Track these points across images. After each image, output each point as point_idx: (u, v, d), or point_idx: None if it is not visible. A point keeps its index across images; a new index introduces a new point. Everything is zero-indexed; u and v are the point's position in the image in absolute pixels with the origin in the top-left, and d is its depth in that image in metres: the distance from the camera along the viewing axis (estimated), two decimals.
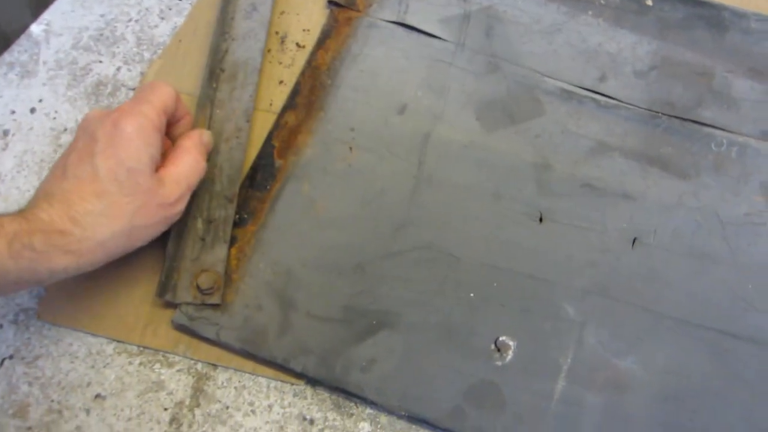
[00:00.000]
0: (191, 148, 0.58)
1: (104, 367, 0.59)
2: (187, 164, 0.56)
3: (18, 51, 0.74)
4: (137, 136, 0.53)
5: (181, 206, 0.56)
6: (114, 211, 0.51)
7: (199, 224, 0.61)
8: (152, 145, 0.54)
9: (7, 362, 0.59)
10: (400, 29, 0.72)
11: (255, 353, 0.57)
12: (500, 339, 0.58)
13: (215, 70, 0.68)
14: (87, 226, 0.49)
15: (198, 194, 0.61)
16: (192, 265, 0.59)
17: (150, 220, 0.53)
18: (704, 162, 0.66)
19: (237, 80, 0.67)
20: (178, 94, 0.59)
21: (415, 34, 0.72)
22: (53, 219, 0.48)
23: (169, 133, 0.61)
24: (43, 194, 0.51)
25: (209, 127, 0.64)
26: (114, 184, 0.51)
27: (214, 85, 0.67)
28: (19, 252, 0.46)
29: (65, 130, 0.69)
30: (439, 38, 0.71)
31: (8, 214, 0.48)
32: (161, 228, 0.55)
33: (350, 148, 0.65)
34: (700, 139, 0.67)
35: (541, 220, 0.63)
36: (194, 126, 0.64)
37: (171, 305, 0.59)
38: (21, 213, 0.49)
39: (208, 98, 0.66)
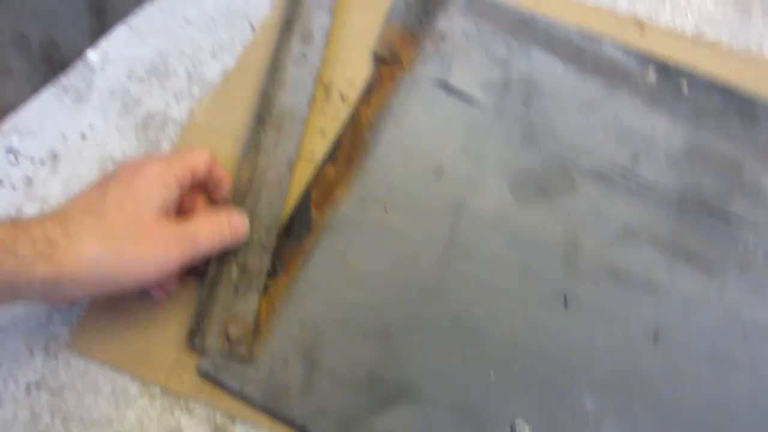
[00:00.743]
0: (218, 219, 0.53)
1: (126, 407, 0.54)
2: (204, 230, 0.51)
3: (74, 75, 0.69)
4: (155, 178, 0.49)
5: (175, 264, 0.49)
6: (107, 232, 0.45)
7: (234, 271, 0.56)
8: (168, 189, 0.49)
9: (33, 389, 0.54)
10: (442, 90, 0.66)
11: (275, 411, 0.52)
12: (518, 424, 0.52)
13: (262, 115, 0.63)
14: (76, 239, 0.44)
15: None
16: (223, 311, 0.54)
17: (141, 257, 0.46)
18: (730, 259, 0.60)
19: (283, 128, 0.62)
20: (215, 159, 0.55)
21: (456, 97, 0.66)
22: (45, 228, 0.43)
23: (211, 196, 0.57)
24: (43, 213, 0.47)
25: (252, 174, 0.59)
26: (117, 209, 0.46)
27: (260, 131, 0.62)
28: (2, 259, 0.41)
29: (111, 159, 0.64)
30: (479, 103, 0.65)
31: None
32: (151, 274, 0.47)
33: (385, 207, 0.60)
34: (727, 235, 0.62)
35: (565, 302, 0.57)
36: (238, 170, 0.59)
37: (198, 349, 0.54)
38: (12, 221, 0.44)
39: (253, 144, 0.61)
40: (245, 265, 0.56)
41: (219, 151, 0.64)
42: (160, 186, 0.49)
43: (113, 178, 0.49)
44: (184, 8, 0.73)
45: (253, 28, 0.72)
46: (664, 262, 0.60)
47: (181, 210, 0.55)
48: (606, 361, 0.55)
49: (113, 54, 0.70)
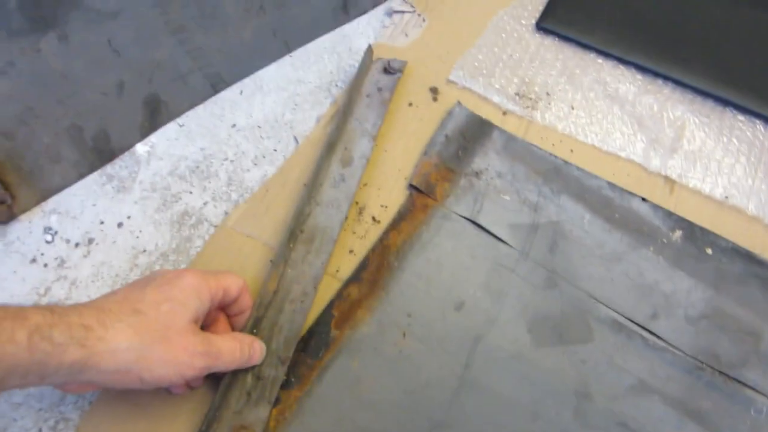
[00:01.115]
0: (242, 342, 0.57)
1: None
2: (228, 348, 0.55)
3: (120, 165, 0.74)
4: (192, 288, 0.53)
5: (197, 373, 0.52)
6: (140, 328, 0.49)
7: (249, 378, 0.59)
8: (201, 301, 0.54)
9: None
10: (471, 226, 0.71)
11: None
12: None
13: (295, 230, 0.67)
14: (110, 329, 0.47)
15: None
16: (233, 417, 0.57)
17: (168, 359, 0.50)
18: (741, 426, 0.62)
19: (313, 245, 0.66)
20: (246, 287, 0.60)
21: (484, 234, 0.70)
22: (83, 316, 0.47)
23: (231, 318, 0.61)
24: (80, 303, 0.50)
25: (279, 286, 0.63)
26: (153, 308, 0.50)
27: (291, 245, 0.66)
28: (37, 344, 0.44)
29: (144, 251, 0.69)
30: (506, 243, 0.70)
31: (36, 306, 0.47)
32: (172, 377, 0.51)
33: (404, 334, 0.63)
34: (740, 400, 0.64)
35: None
36: (266, 280, 0.63)
37: None
38: (49, 307, 0.47)
39: (283, 257, 0.65)
40: (260, 374, 0.59)
41: (248, 256, 0.68)
42: (195, 296, 0.53)
43: (152, 280, 0.53)
44: (234, 115, 0.79)
45: (296, 141, 0.78)
46: (674, 421, 0.62)
47: (204, 321, 0.59)
48: None
49: (160, 149, 0.76)
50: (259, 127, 0.79)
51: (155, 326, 0.49)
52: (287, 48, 0.86)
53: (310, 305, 0.63)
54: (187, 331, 0.51)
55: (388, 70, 0.80)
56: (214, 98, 0.80)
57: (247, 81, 0.83)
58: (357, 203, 0.73)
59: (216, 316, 0.60)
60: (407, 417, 0.59)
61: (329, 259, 0.66)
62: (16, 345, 0.43)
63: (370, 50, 0.81)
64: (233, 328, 0.61)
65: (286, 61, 0.85)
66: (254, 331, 0.61)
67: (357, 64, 0.84)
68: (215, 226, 0.71)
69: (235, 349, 0.55)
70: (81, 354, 0.46)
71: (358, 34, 0.89)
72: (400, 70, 0.80)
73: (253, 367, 0.59)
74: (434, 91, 0.83)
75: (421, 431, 0.59)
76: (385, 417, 0.59)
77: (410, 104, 0.82)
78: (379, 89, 0.79)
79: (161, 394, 0.60)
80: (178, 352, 0.50)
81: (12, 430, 0.59)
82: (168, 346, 0.50)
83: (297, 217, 0.67)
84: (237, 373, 0.58)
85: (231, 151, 0.77)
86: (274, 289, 0.63)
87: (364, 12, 0.91)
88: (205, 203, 0.73)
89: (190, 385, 0.58)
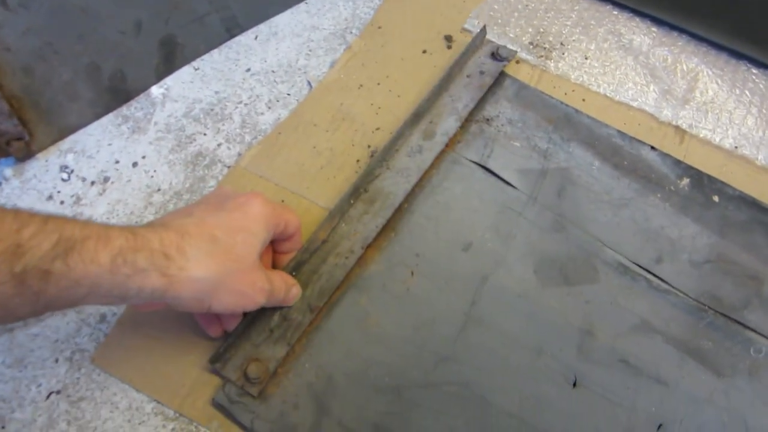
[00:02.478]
0: (286, 281, 0.59)
1: (139, 424, 0.59)
2: (277, 285, 0.57)
3: (135, 107, 0.76)
4: (263, 217, 0.55)
5: (255, 306, 0.55)
6: (216, 259, 0.50)
7: (276, 317, 0.61)
8: (269, 232, 0.55)
9: (53, 396, 0.59)
10: (481, 171, 0.72)
11: None
12: None
13: (360, 188, 0.68)
14: (190, 258, 0.49)
15: None
16: (251, 348, 0.60)
17: (235, 289, 0.52)
18: (740, 364, 0.64)
19: (373, 206, 0.68)
20: (300, 227, 0.61)
21: (493, 179, 0.72)
22: (163, 242, 0.48)
23: (276, 257, 0.63)
24: (159, 222, 0.51)
25: (329, 237, 0.65)
26: (229, 237, 0.52)
27: (352, 201, 0.68)
28: (120, 267, 0.45)
29: (159, 190, 0.71)
30: (515, 187, 0.72)
31: (117, 227, 0.47)
32: (234, 307, 0.53)
33: (412, 273, 0.66)
34: (740, 341, 0.66)
35: (575, 384, 0.61)
36: (318, 228, 0.66)
37: (215, 378, 0.60)
38: (130, 229, 0.47)
39: (340, 210, 0.67)
40: (288, 316, 0.61)
41: None
42: (264, 227, 0.54)
43: (224, 201, 0.54)
44: (248, 59, 0.81)
45: (310, 85, 0.79)
46: (675, 358, 0.64)
47: None
48: None
49: (175, 92, 0.78)
50: (273, 71, 0.81)
51: (231, 257, 0.51)
52: None
53: (354, 263, 0.65)
54: (255, 265, 0.53)
55: (496, 56, 0.80)
56: (229, 42, 0.82)
57: (263, 26, 0.84)
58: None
59: (267, 249, 0.62)
60: (414, 351, 0.62)
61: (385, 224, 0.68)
62: (99, 266, 0.44)
63: (483, 31, 0.81)
64: (274, 266, 0.63)
65: (302, 7, 0.87)
66: (294, 273, 0.63)
67: (372, 12, 0.86)
68: (228, 167, 0.73)
69: (282, 287, 0.58)
70: (162, 282, 0.47)
71: None
72: (508, 59, 0.80)
73: (281, 307, 0.61)
74: (449, 39, 0.85)
75: (428, 365, 0.61)
76: (393, 351, 0.61)
77: (424, 51, 0.83)
78: (481, 72, 0.79)
79: (175, 326, 0.62)
80: (246, 286, 0.53)
81: (29, 360, 0.61)
82: (240, 279, 0.52)
83: (365, 176, 0.69)
84: (265, 309, 0.60)
85: (245, 94, 0.79)
86: (323, 239, 0.65)
87: None
88: (219, 145, 0.75)
89: (226, 328, 0.60)
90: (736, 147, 0.79)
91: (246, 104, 0.78)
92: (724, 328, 0.66)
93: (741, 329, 0.66)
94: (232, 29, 0.82)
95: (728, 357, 0.65)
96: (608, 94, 0.82)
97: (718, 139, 0.80)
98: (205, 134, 0.75)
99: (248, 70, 0.80)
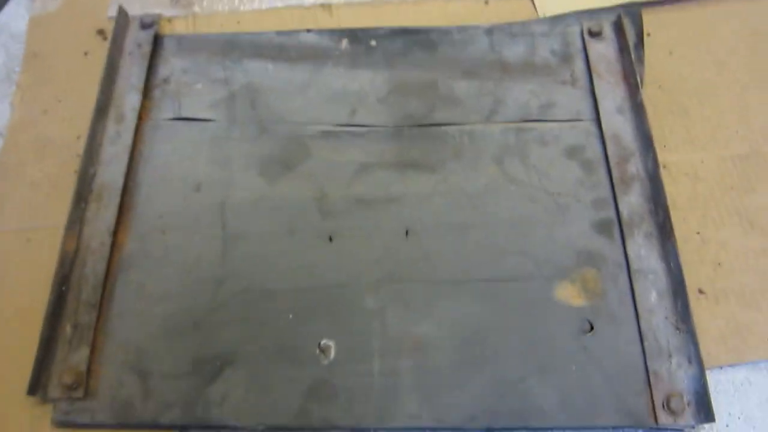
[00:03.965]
0: None
1: None
2: None
3: None
4: None
5: None
6: None
7: (68, 329, 0.66)
8: None
9: None
10: (180, 123, 0.79)
11: (128, 422, 0.63)
12: (322, 343, 0.66)
13: (83, 192, 0.73)
14: None
15: (67, 302, 0.67)
16: (59, 364, 0.65)
17: None
18: (446, 154, 0.76)
19: (102, 200, 0.73)
20: None
21: (193, 123, 0.79)
22: None
23: None
24: None
25: (78, 244, 0.71)
26: None
27: (83, 206, 0.73)
28: None
29: None
30: (213, 120, 0.79)
31: None
32: None
33: (163, 232, 0.72)
34: (438, 136, 0.77)
35: (330, 239, 0.71)
36: (63, 243, 0.70)
37: (46, 405, 0.65)
38: None
39: (76, 217, 0.72)
40: (76, 323, 0.67)
41: (6, 249, 0.74)
42: None
43: None
44: None
45: (1, 134, 0.82)
46: (397, 177, 0.74)
47: None
48: (373, 268, 0.69)
49: None
50: None
51: None
52: None
53: (109, 252, 0.71)
54: None
55: (144, 25, 0.86)
56: None
57: None
58: None
59: None
60: (193, 289, 0.69)
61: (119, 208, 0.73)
62: None
63: (122, 10, 0.86)
64: None
65: None
66: (63, 287, 0.68)
67: (24, 47, 0.89)
68: None
69: None
70: None
71: (13, 17, 0.93)
72: (155, 22, 0.86)
73: (70, 319, 0.67)
74: (101, 32, 0.89)
75: (208, 292, 0.68)
76: (177, 299, 0.68)
77: (86, 53, 0.88)
78: (139, 45, 0.84)
79: None
80: None
81: None
82: None
83: (82, 181, 0.74)
84: (56, 327, 0.66)
85: None
86: (73, 248, 0.70)
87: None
88: None
89: None
90: None
91: None
92: (423, 135, 0.78)
93: (435, 129, 0.78)
94: None
95: (435, 154, 0.76)
96: (258, 7, 0.90)
97: None
98: None
99: None
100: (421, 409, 0.63)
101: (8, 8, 0.93)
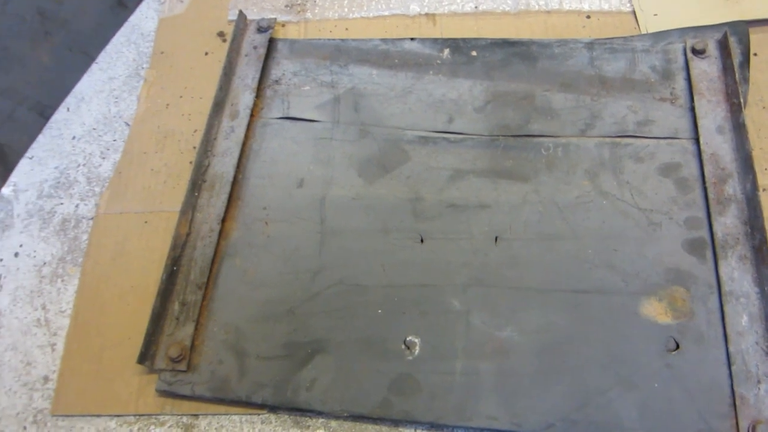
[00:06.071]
0: None
1: None
2: None
3: None
4: None
5: None
6: None
7: (176, 306, 0.70)
8: None
9: None
10: (287, 122, 0.82)
11: (224, 397, 0.65)
12: (408, 339, 0.66)
13: (197, 181, 0.77)
14: None
15: (177, 282, 0.71)
16: (167, 339, 0.68)
17: None
18: (539, 165, 0.75)
19: (214, 189, 0.77)
20: None
21: (299, 123, 0.81)
22: None
23: None
24: None
25: (190, 228, 0.74)
26: None
27: (196, 194, 0.76)
28: None
29: (44, 263, 0.78)
30: (319, 121, 0.81)
31: None
32: None
33: (266, 223, 0.75)
34: (532, 148, 0.77)
35: (422, 241, 0.72)
36: (177, 226, 0.74)
37: (152, 374, 0.68)
38: None
39: (190, 204, 0.75)
40: (184, 301, 0.70)
41: (124, 227, 0.78)
42: None
43: None
44: (69, 129, 0.88)
45: (128, 125, 0.87)
46: (490, 185, 0.74)
47: None
48: (462, 270, 0.69)
49: (22, 184, 0.84)
50: (94, 129, 0.88)
51: None
52: (89, 57, 0.94)
53: (218, 238, 0.74)
54: None
55: (261, 29, 0.89)
56: (48, 123, 0.89)
57: (69, 98, 0.91)
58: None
59: None
60: (291, 278, 0.71)
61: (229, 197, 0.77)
62: None
63: (242, 15, 0.90)
64: None
65: (94, 67, 0.94)
66: (174, 267, 0.71)
67: (152, 44, 0.94)
68: (91, 219, 0.80)
69: None
70: None
71: (144, 19, 0.98)
72: (270, 27, 0.89)
73: (179, 297, 0.70)
74: (221, 35, 0.93)
75: (305, 282, 0.70)
76: (275, 286, 0.71)
77: (206, 53, 0.91)
78: (255, 47, 0.88)
79: (102, 358, 0.70)
80: None
81: None
82: None
83: (197, 170, 0.78)
84: (166, 304, 0.70)
85: (80, 157, 0.86)
86: (186, 232, 0.74)
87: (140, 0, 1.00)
88: (77, 206, 0.82)
89: None
90: (476, 7, 0.90)
91: (84, 164, 0.85)
92: (517, 145, 0.77)
93: (529, 140, 0.78)
94: (44, 112, 0.89)
95: (528, 164, 0.76)
96: (365, 16, 0.92)
97: (461, 8, 0.91)
98: (62, 203, 0.82)
99: (74, 137, 0.87)
100: (499, 412, 0.62)
101: (139, 10, 0.98)
